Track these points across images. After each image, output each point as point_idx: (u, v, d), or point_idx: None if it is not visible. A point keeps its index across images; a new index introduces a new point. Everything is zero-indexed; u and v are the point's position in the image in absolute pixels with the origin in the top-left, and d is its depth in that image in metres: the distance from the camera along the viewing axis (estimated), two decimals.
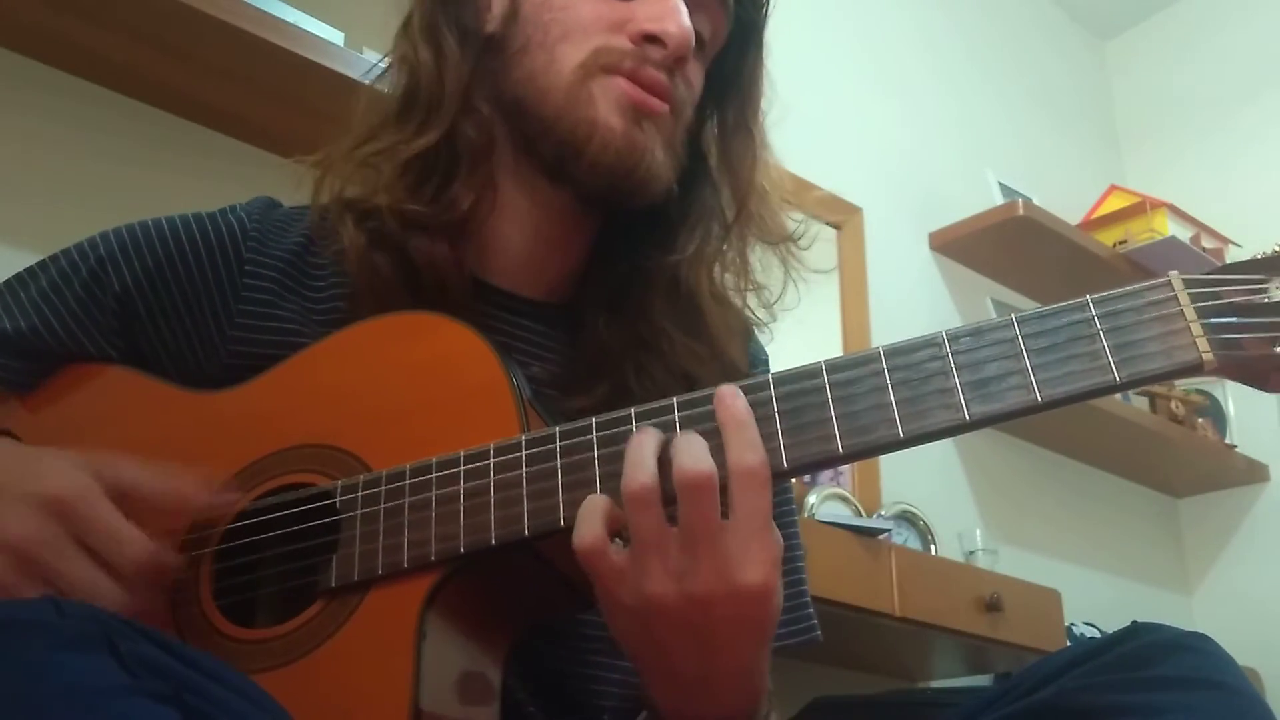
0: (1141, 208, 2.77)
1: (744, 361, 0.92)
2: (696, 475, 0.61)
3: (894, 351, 0.63)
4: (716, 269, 0.91)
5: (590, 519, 0.63)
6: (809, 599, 0.93)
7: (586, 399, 0.83)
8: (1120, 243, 2.76)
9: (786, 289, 0.94)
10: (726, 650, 0.64)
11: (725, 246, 0.91)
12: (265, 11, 1.34)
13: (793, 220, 0.95)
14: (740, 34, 0.93)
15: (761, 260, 0.93)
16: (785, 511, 0.95)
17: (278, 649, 0.69)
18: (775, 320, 0.96)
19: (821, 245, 2.28)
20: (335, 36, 1.43)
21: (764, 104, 0.94)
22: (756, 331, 0.96)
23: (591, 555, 0.63)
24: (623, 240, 0.91)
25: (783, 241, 0.93)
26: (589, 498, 0.65)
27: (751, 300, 0.94)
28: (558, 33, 0.83)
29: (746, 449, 0.62)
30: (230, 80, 1.41)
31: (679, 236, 0.89)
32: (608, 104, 0.82)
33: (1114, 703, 0.62)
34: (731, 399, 0.64)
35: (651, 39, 0.83)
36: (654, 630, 0.63)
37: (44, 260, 0.88)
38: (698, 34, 0.87)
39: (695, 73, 0.89)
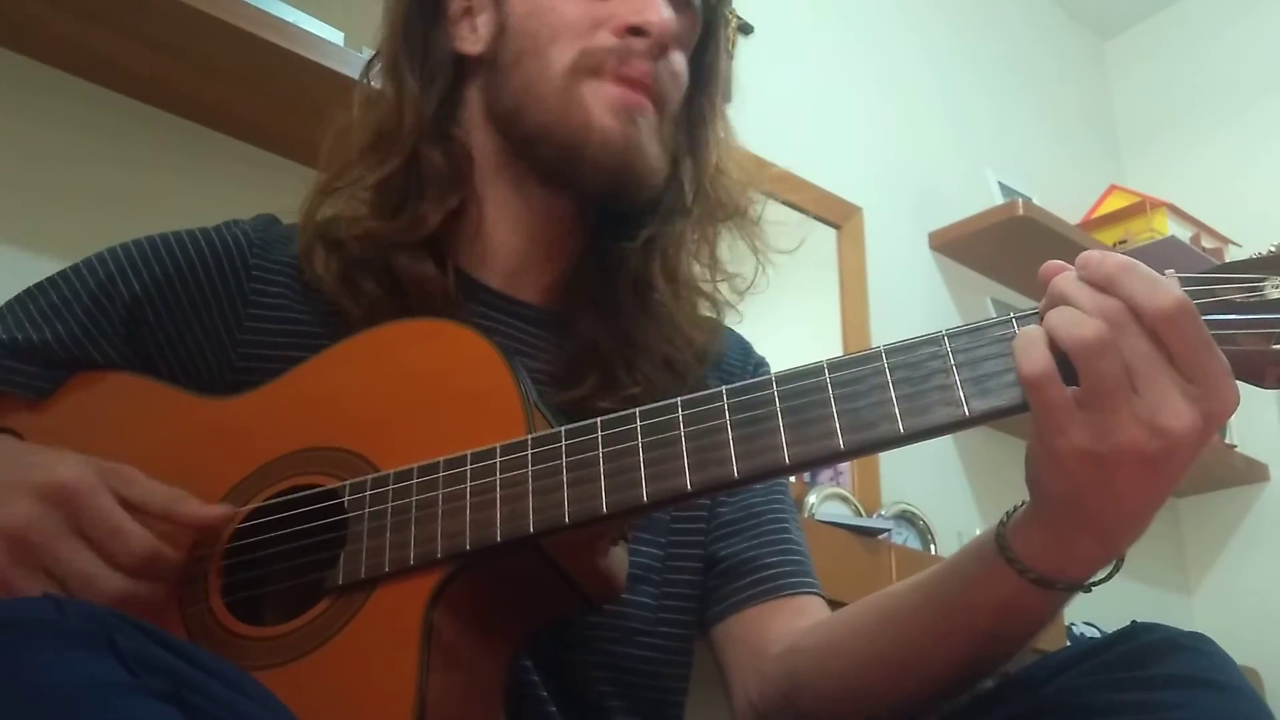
0: (1141, 208, 2.77)
1: (714, 346, 0.94)
2: (1173, 303, 0.57)
3: (895, 350, 0.64)
4: (681, 256, 0.93)
5: (1035, 347, 0.59)
6: None
7: (579, 390, 0.86)
8: (1120, 243, 2.76)
9: (759, 274, 0.97)
10: (1164, 491, 0.60)
11: (685, 231, 0.93)
12: (265, 11, 1.34)
13: (755, 203, 0.97)
14: (703, 27, 0.97)
15: (731, 249, 0.96)
16: (779, 497, 0.97)
17: (284, 646, 0.70)
18: (743, 303, 0.98)
19: (819, 242, 2.29)
20: (335, 36, 1.43)
21: (733, 90, 0.98)
22: (724, 314, 0.98)
23: (1043, 382, 0.58)
24: (600, 235, 0.94)
25: (739, 216, 0.95)
26: (1024, 330, 0.60)
27: (724, 288, 0.96)
28: (546, 38, 0.87)
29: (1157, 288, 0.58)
30: (230, 80, 1.41)
31: (637, 226, 0.92)
32: (600, 107, 0.85)
33: (1113, 701, 0.63)
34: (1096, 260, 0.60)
35: (635, 31, 0.86)
36: (1106, 479, 0.59)
37: (54, 275, 0.90)
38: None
39: (681, 65, 0.92)
